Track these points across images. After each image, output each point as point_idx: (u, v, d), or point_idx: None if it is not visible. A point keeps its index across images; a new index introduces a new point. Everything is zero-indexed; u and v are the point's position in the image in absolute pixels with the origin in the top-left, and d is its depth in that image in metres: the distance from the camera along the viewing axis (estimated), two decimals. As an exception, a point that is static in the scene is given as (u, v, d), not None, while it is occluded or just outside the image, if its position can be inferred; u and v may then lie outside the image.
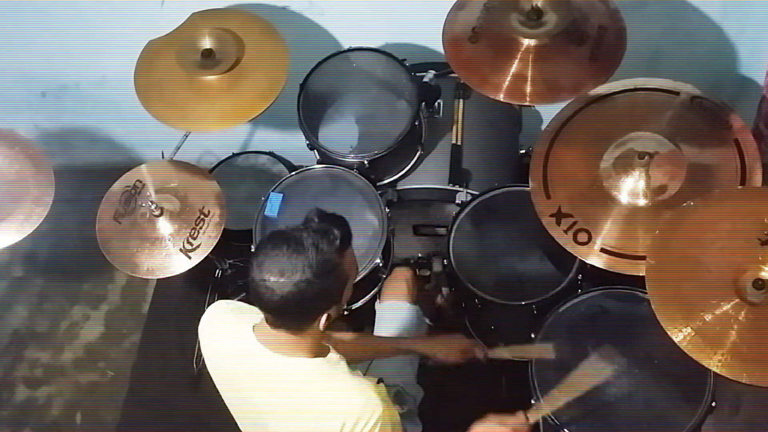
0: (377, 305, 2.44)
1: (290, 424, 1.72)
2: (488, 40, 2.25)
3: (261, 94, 2.41)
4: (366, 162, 2.48)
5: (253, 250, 1.68)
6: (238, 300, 2.81)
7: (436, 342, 2.21)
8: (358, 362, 1.95)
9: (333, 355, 1.74)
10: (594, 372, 2.02)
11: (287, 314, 1.63)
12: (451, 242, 2.41)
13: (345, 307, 1.81)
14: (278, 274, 1.57)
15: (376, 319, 2.37)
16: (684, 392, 2.05)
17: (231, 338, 1.79)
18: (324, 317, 1.65)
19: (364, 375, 1.80)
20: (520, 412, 1.99)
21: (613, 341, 2.13)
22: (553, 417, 2.05)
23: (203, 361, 1.89)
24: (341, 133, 2.58)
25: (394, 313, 2.37)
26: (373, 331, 2.36)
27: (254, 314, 1.82)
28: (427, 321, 2.43)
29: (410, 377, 2.23)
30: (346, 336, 2.18)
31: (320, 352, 1.72)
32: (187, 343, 2.79)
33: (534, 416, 2.01)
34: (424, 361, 2.25)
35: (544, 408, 2.04)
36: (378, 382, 1.75)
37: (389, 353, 2.19)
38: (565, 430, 2.03)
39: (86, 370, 3.15)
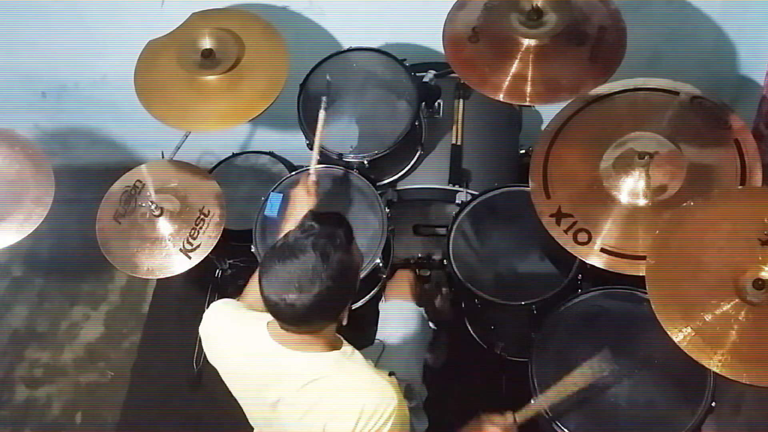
0: (381, 305, 2.44)
1: (305, 421, 1.72)
2: (488, 40, 2.25)
3: (261, 94, 2.41)
4: (366, 162, 2.47)
5: (260, 269, 1.67)
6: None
7: None
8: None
9: (347, 348, 1.76)
10: (588, 373, 2.00)
11: (311, 322, 1.65)
12: (451, 242, 2.41)
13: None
14: (297, 290, 1.58)
15: (380, 318, 2.36)
16: (684, 392, 2.05)
17: (242, 338, 1.80)
18: (345, 311, 1.69)
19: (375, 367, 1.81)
20: (509, 413, 2.01)
21: (613, 341, 2.14)
22: (553, 417, 2.05)
23: (203, 361, 1.89)
24: (341, 133, 2.57)
25: (399, 312, 2.36)
26: (374, 331, 2.36)
27: (255, 312, 1.82)
28: (432, 326, 2.42)
29: (416, 376, 2.23)
30: None
31: (335, 345, 1.74)
32: (187, 343, 2.79)
33: (522, 416, 2.02)
34: (428, 361, 2.25)
35: (533, 408, 2.05)
36: (390, 375, 1.76)
37: None
38: (565, 430, 2.04)
39: (86, 370, 3.15)
